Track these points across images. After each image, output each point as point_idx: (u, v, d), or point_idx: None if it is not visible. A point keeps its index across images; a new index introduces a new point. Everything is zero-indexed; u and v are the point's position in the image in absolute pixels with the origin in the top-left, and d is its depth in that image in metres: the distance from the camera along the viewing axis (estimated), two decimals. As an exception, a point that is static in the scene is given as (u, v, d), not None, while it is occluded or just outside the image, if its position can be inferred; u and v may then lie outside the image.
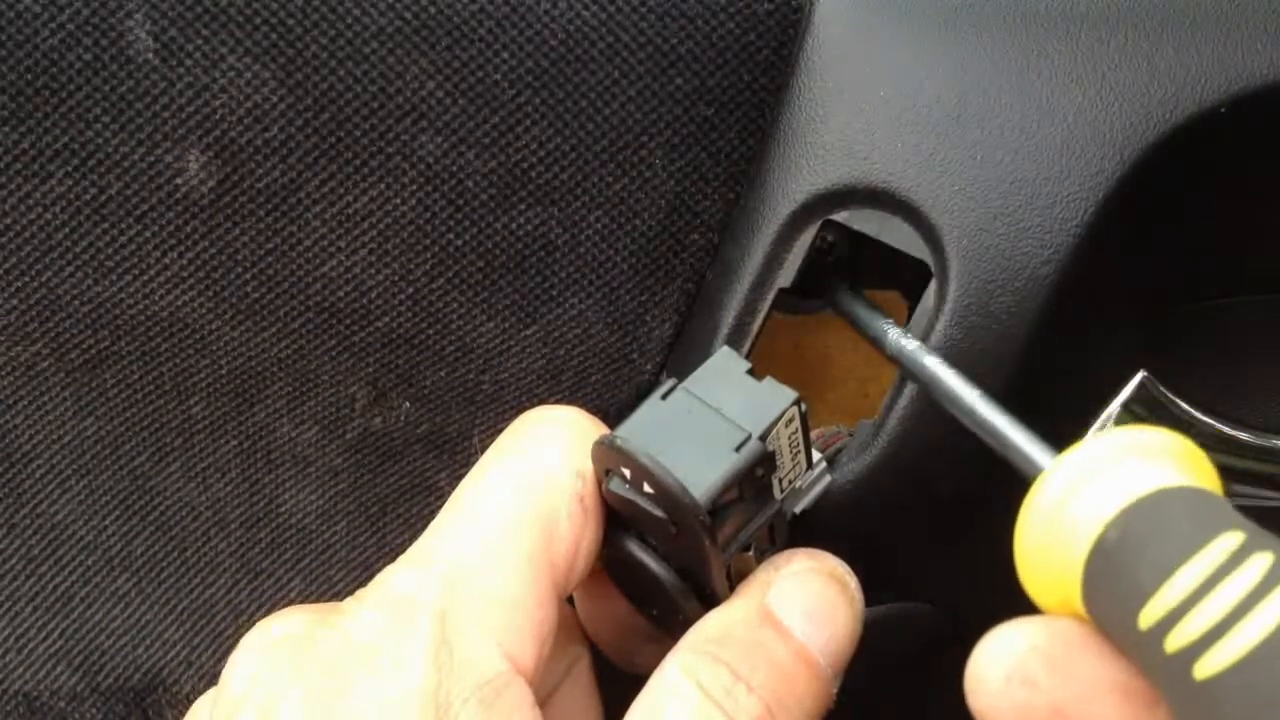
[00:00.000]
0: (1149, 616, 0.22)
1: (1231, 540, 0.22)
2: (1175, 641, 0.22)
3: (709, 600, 0.31)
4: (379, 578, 0.29)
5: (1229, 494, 0.39)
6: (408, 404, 0.39)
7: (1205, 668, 0.21)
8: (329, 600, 0.41)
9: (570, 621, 0.35)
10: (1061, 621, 0.25)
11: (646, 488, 0.29)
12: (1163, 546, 0.23)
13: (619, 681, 0.33)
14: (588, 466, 0.30)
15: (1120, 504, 0.24)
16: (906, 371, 0.33)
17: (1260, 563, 0.21)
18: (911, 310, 0.35)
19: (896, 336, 0.33)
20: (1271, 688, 0.20)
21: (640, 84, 0.35)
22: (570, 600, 0.36)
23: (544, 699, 0.34)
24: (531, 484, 0.30)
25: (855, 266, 0.37)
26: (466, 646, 0.27)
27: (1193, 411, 0.38)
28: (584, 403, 0.39)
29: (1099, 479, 0.24)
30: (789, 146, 0.36)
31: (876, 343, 0.34)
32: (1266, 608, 0.21)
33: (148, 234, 0.36)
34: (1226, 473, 0.39)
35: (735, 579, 0.31)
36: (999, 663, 0.24)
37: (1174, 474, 0.24)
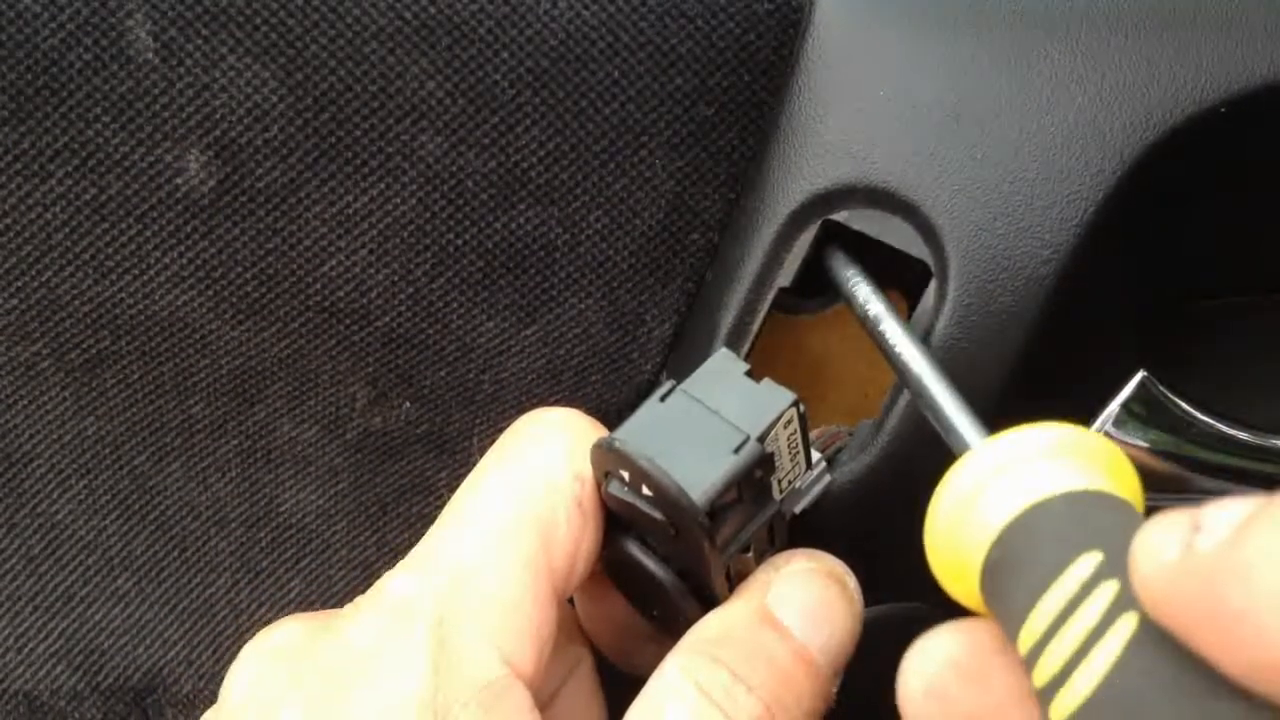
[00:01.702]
0: (1023, 644, 0.22)
1: (1089, 563, 0.22)
2: (1038, 677, 0.22)
3: (708, 601, 0.31)
4: (378, 584, 0.29)
5: (1229, 495, 0.39)
6: (408, 404, 0.39)
7: (1056, 710, 0.21)
8: (329, 600, 0.41)
9: (571, 623, 0.35)
10: (977, 630, 0.25)
11: (645, 490, 0.29)
12: (1031, 569, 0.22)
13: (621, 683, 0.33)
14: (586, 469, 0.30)
15: (1009, 513, 0.24)
16: (869, 334, 0.33)
17: (1106, 592, 0.21)
18: (911, 310, 0.35)
19: (865, 296, 0.33)
20: None
21: (640, 84, 0.35)
22: (571, 601, 0.36)
23: (546, 701, 0.34)
24: (529, 488, 0.30)
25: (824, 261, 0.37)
26: (465, 651, 0.27)
27: (1193, 411, 0.38)
28: (584, 403, 0.39)
29: (996, 483, 0.24)
30: (789, 146, 0.36)
31: (847, 301, 0.34)
32: (1103, 649, 0.20)
33: (148, 234, 0.36)
34: (1226, 473, 0.39)
35: (735, 580, 0.31)
36: (918, 676, 0.25)
37: (1073, 475, 0.24)
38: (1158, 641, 0.20)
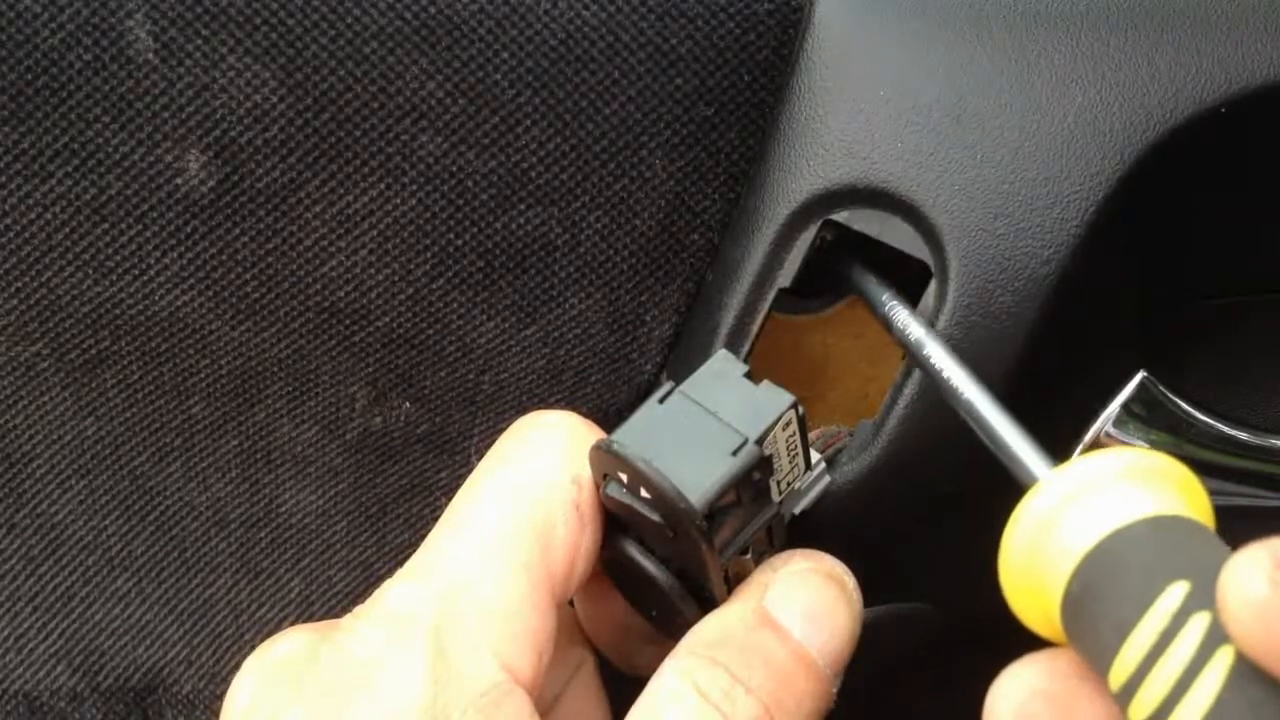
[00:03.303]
0: (1116, 679, 0.22)
1: (1177, 594, 0.22)
2: (1136, 713, 0.22)
3: (707, 603, 0.31)
4: (377, 593, 0.29)
5: (1228, 494, 0.39)
6: (408, 404, 0.39)
7: None
8: (329, 599, 0.41)
9: (572, 627, 0.35)
10: (1060, 659, 0.25)
11: (644, 492, 0.29)
12: (1117, 602, 0.23)
13: (623, 685, 0.33)
14: (583, 472, 0.30)
15: (1086, 544, 0.24)
16: (911, 358, 0.33)
17: (1198, 625, 0.21)
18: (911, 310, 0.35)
19: (904, 321, 0.33)
20: None
21: (640, 84, 0.35)
22: (570, 603, 0.36)
23: (549, 705, 0.34)
24: (526, 493, 0.30)
25: (848, 276, 0.37)
26: (463, 659, 0.28)
27: (1193, 411, 0.38)
28: (584, 403, 0.39)
29: (1070, 513, 0.25)
30: (789, 146, 0.36)
31: (884, 324, 0.34)
32: (1202, 684, 0.20)
33: (148, 234, 0.36)
34: (1226, 473, 0.39)
35: (733, 581, 0.31)
36: (1008, 701, 0.25)
37: (1147, 500, 0.24)
38: (1257, 676, 0.20)
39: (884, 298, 0.34)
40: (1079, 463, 0.25)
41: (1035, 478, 0.28)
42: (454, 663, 0.27)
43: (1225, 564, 0.20)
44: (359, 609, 0.29)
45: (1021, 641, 0.26)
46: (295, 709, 0.28)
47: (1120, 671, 0.22)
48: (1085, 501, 0.24)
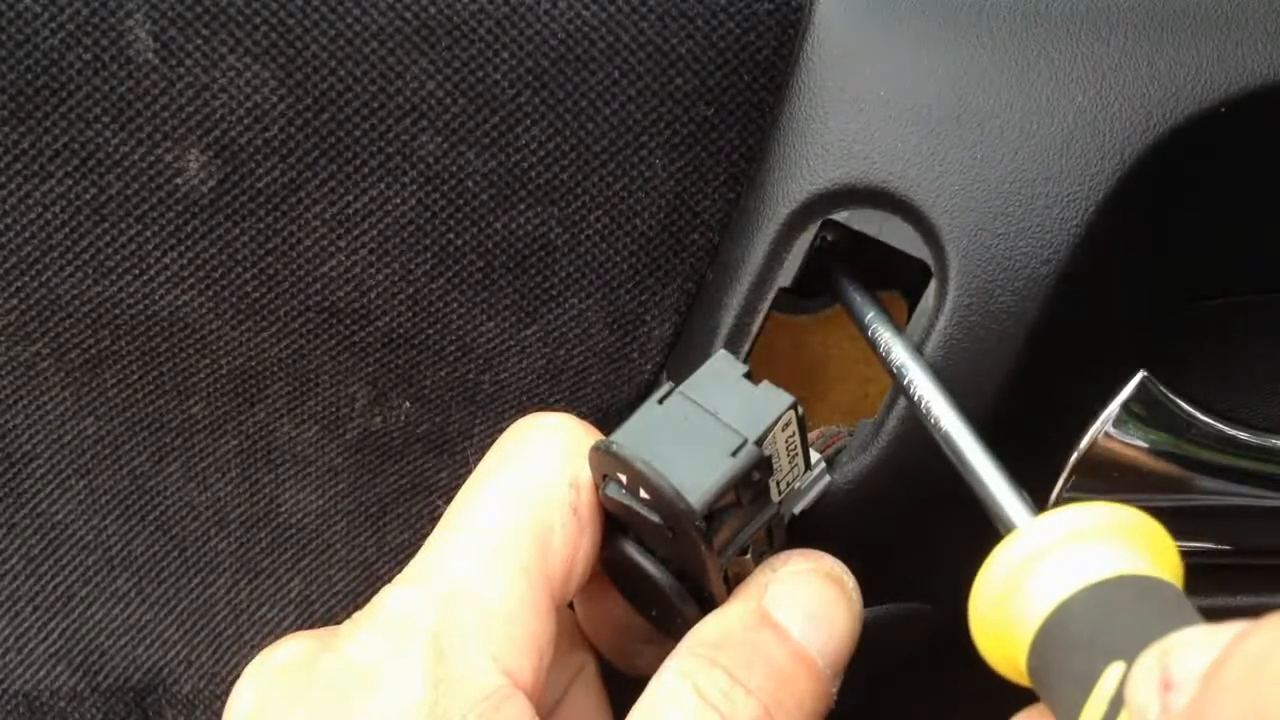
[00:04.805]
0: None
1: (1113, 678, 0.22)
2: None
3: (707, 603, 0.31)
4: (376, 598, 0.29)
5: (1228, 495, 0.39)
6: (408, 404, 0.39)
7: None
8: (329, 599, 0.41)
9: (573, 630, 0.35)
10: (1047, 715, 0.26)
11: (643, 493, 0.29)
12: (1067, 683, 0.24)
13: (624, 686, 0.33)
14: (581, 474, 0.30)
15: (1041, 614, 0.25)
16: (892, 378, 0.33)
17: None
18: (911, 310, 0.35)
19: (887, 341, 0.33)
20: None
21: (640, 84, 0.35)
22: (570, 605, 0.36)
23: (550, 708, 0.34)
24: (524, 496, 0.30)
25: (855, 265, 0.37)
26: (463, 664, 0.28)
27: (1193, 411, 0.38)
28: (584, 403, 0.39)
29: (1029, 578, 0.25)
30: (789, 146, 0.36)
31: (870, 345, 0.34)
32: None
33: (148, 234, 0.36)
34: (1226, 473, 0.39)
35: (733, 581, 0.31)
36: None
37: (1106, 560, 0.25)
38: None
39: (868, 317, 0.34)
40: (1046, 518, 0.26)
41: (1011, 523, 0.28)
42: (454, 668, 0.27)
43: (1128, 679, 0.21)
44: (358, 614, 0.29)
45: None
46: (296, 715, 0.28)
47: None
48: (1046, 562, 0.25)
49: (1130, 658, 0.22)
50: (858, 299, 0.35)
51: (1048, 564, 0.25)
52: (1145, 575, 0.24)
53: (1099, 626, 0.24)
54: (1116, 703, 0.22)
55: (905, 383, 0.32)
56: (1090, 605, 0.24)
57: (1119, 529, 0.25)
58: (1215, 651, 0.20)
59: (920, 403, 0.31)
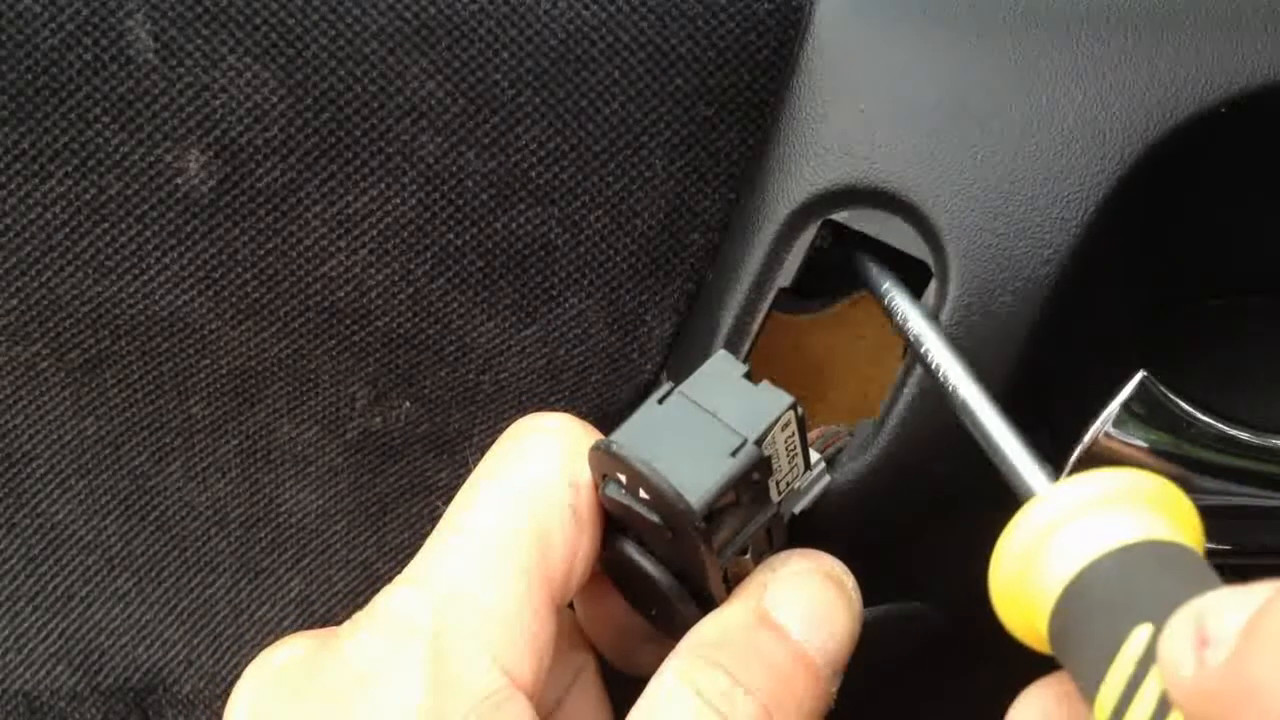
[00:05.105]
0: (1099, 717, 0.23)
1: (1141, 640, 0.22)
2: None
3: (706, 603, 0.31)
4: (375, 600, 0.29)
5: (1228, 495, 0.39)
6: (408, 404, 0.39)
7: None
8: (329, 599, 0.41)
9: (574, 631, 0.35)
10: (1062, 683, 0.26)
11: (643, 493, 0.29)
12: (1091, 644, 0.23)
13: (624, 686, 0.33)
14: (580, 475, 0.30)
15: (1065, 577, 0.24)
16: (911, 353, 0.33)
17: (1155, 681, 0.22)
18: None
19: (904, 310, 0.33)
20: None
21: (640, 84, 0.35)
22: (570, 605, 0.36)
23: (551, 709, 0.34)
24: (524, 497, 0.30)
25: (854, 266, 0.37)
26: (462, 665, 0.28)
27: (1193, 411, 0.38)
28: (584, 403, 0.39)
29: (1053, 541, 0.25)
30: (789, 147, 0.36)
31: (888, 315, 0.34)
32: None
33: (148, 234, 0.36)
34: (1226, 473, 0.39)
35: (733, 581, 0.31)
36: None
37: (1129, 525, 0.24)
38: None
39: (885, 286, 0.34)
40: (1069, 483, 0.26)
41: (1030, 490, 0.28)
42: (453, 669, 0.27)
43: (1162, 634, 0.21)
44: (358, 615, 0.29)
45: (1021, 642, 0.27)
46: (296, 715, 0.28)
47: (1100, 714, 0.23)
48: (1069, 527, 0.25)
49: (1158, 620, 0.22)
50: (874, 269, 0.35)
51: (1070, 529, 0.25)
52: (1169, 541, 0.24)
53: (1124, 590, 0.24)
54: (1145, 662, 0.22)
55: (922, 351, 0.32)
56: (1115, 569, 0.24)
57: (1142, 494, 0.25)
58: (1251, 610, 0.20)
59: (938, 371, 0.31)
